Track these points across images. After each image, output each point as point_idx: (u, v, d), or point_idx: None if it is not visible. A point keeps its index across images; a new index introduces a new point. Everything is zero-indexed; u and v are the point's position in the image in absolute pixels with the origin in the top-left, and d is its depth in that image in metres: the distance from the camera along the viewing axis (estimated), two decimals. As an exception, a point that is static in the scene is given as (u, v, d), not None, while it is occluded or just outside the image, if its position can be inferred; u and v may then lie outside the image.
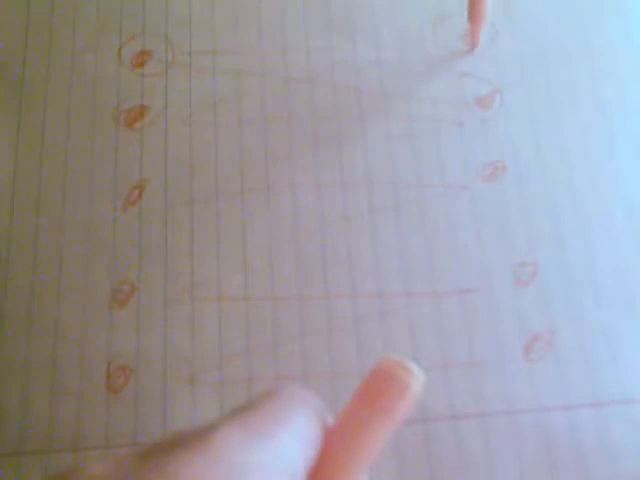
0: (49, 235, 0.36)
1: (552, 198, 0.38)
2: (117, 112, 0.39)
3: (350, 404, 0.17)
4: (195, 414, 0.33)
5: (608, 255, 0.37)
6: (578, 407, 0.34)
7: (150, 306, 0.35)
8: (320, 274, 0.36)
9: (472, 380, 0.34)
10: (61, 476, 0.13)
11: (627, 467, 0.33)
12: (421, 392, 0.16)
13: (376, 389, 0.16)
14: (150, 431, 0.33)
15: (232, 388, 0.34)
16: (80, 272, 0.35)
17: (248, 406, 0.15)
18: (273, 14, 0.41)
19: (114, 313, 0.35)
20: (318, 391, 0.17)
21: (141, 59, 0.40)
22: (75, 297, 0.35)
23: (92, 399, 0.33)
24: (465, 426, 0.33)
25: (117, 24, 0.40)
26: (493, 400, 0.34)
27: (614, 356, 0.35)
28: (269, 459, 0.14)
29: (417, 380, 0.16)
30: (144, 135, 0.38)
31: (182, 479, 0.12)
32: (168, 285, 0.35)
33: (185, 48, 0.40)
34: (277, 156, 0.38)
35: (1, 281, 0.35)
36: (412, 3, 0.42)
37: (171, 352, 0.34)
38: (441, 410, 0.34)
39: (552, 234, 0.37)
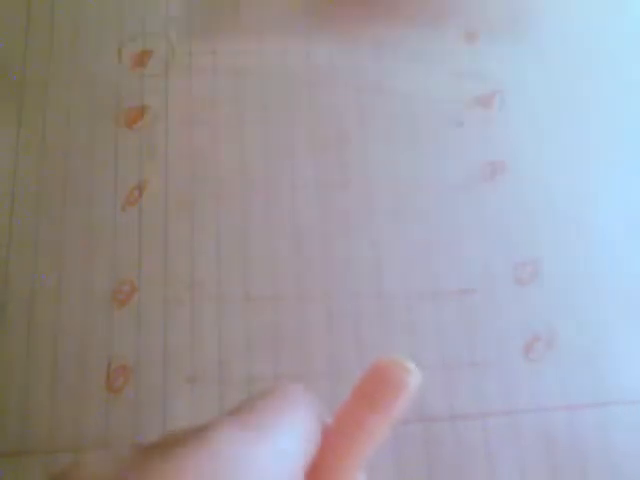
0: (49, 235, 0.36)
1: (552, 197, 0.38)
2: (117, 112, 0.39)
3: (348, 402, 0.17)
4: (195, 414, 0.33)
5: (608, 255, 0.37)
6: (578, 407, 0.34)
7: (150, 306, 0.35)
8: (320, 274, 0.36)
9: (472, 380, 0.34)
10: (61, 475, 0.13)
11: (627, 467, 0.33)
12: (418, 390, 0.16)
13: (373, 388, 0.16)
14: (150, 431, 0.33)
15: (232, 388, 0.34)
16: (80, 272, 0.35)
17: (247, 405, 0.15)
18: (273, 14, 0.41)
19: (114, 313, 0.35)
20: (318, 391, 0.17)
21: (141, 59, 0.40)
22: (75, 297, 0.35)
23: (92, 399, 0.33)
24: (465, 426, 0.33)
25: (117, 24, 0.40)
26: (493, 400, 0.34)
27: (614, 356, 0.35)
28: (268, 457, 0.14)
29: (414, 378, 0.17)
30: (144, 135, 0.38)
31: (181, 476, 0.12)
32: (168, 285, 0.35)
33: (185, 48, 0.40)
34: (277, 156, 0.38)
35: (1, 281, 0.35)
36: (412, 2, 0.42)
37: (171, 352, 0.34)
38: (441, 410, 0.34)
39: (552, 234, 0.37)
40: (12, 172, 0.37)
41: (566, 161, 0.39)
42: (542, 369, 0.35)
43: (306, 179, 0.38)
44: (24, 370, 0.34)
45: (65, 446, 0.32)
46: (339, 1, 0.41)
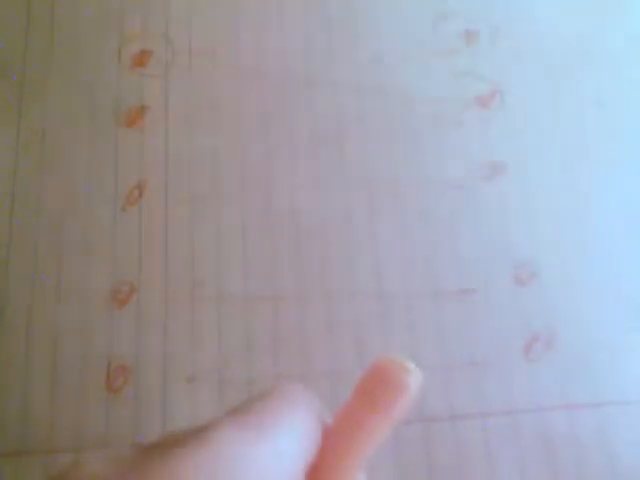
0: (49, 235, 0.36)
1: (552, 197, 0.38)
2: (117, 112, 0.39)
3: (348, 403, 0.17)
4: (195, 414, 0.33)
5: (607, 255, 0.37)
6: (578, 407, 0.34)
7: (150, 306, 0.35)
8: (320, 274, 0.36)
9: (472, 380, 0.34)
10: (61, 475, 0.13)
11: (626, 467, 0.33)
12: (419, 391, 0.16)
13: (374, 388, 0.16)
14: (150, 431, 0.33)
15: (232, 388, 0.34)
16: (80, 272, 0.35)
17: (246, 405, 0.15)
18: (273, 14, 0.41)
19: (114, 313, 0.35)
20: (318, 391, 0.17)
21: (141, 59, 0.40)
22: (75, 297, 0.35)
23: (92, 399, 0.33)
24: (465, 426, 0.33)
25: (117, 24, 0.40)
26: (493, 400, 0.34)
27: (613, 356, 0.35)
28: (267, 457, 0.14)
29: (415, 379, 0.16)
30: (144, 135, 0.38)
31: (181, 476, 0.12)
32: (168, 285, 0.35)
33: (185, 48, 0.40)
34: (277, 156, 0.38)
35: (1, 281, 0.35)
36: (412, 2, 0.42)
37: (171, 352, 0.34)
38: (441, 410, 0.34)
39: (552, 234, 0.37)
40: (12, 172, 0.37)
41: (566, 161, 0.39)
42: (541, 369, 0.35)
43: (306, 179, 0.38)
44: (24, 370, 0.34)
45: (65, 446, 0.32)
46: None
